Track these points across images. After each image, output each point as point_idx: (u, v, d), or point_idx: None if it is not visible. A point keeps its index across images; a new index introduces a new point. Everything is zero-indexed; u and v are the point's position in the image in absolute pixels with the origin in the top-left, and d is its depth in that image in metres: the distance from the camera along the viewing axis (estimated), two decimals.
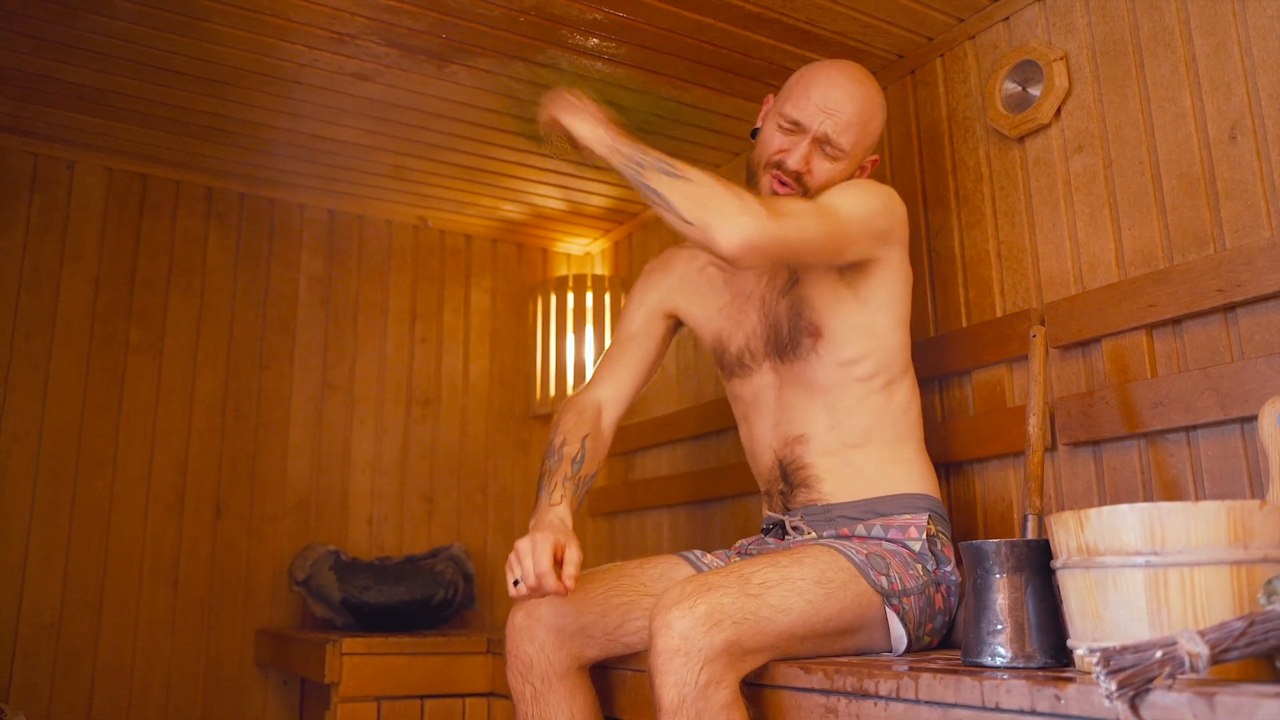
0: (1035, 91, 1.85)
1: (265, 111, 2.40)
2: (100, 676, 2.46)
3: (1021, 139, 1.90)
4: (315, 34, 2.07)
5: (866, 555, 1.49)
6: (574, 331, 3.09)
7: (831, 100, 1.65)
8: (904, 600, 1.49)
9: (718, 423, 2.57)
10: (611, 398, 1.81)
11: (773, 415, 1.72)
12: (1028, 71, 1.87)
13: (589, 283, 3.13)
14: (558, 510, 1.55)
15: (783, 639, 1.35)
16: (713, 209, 1.42)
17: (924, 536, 1.55)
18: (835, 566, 1.45)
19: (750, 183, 1.72)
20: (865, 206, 1.60)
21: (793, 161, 1.66)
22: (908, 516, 1.59)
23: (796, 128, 1.67)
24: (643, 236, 3.10)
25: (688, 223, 1.44)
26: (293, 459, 2.79)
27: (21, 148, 2.57)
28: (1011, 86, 1.90)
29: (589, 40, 2.10)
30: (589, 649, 1.58)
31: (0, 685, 2.35)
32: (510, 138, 2.56)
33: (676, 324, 1.91)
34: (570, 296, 3.12)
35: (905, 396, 1.69)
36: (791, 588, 1.37)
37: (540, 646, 1.54)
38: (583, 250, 3.36)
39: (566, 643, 1.55)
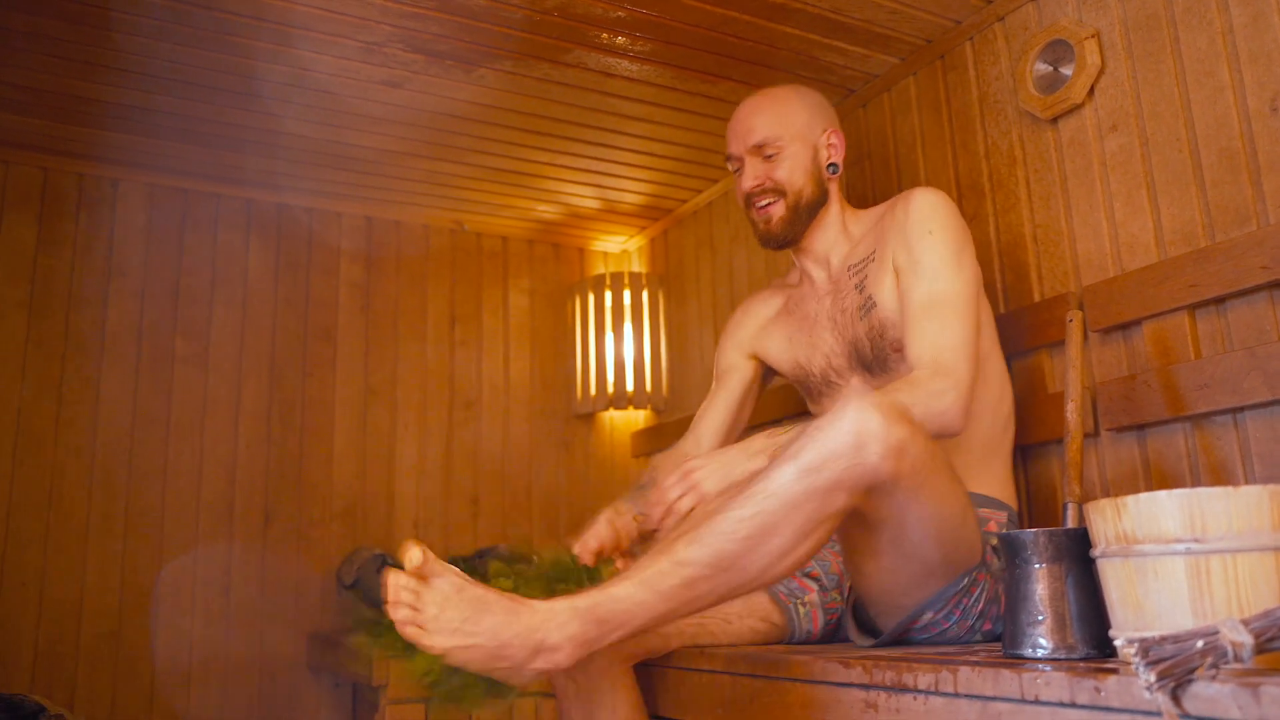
0: (1067, 71, 1.82)
1: (298, 122, 2.44)
2: (159, 682, 2.52)
3: (1054, 120, 1.86)
4: (343, 44, 2.09)
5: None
6: (613, 330, 3.10)
7: (737, 123, 1.78)
8: (984, 575, 1.46)
9: (760, 415, 2.55)
10: (698, 442, 1.90)
11: None
12: (1059, 51, 1.83)
13: (626, 280, 3.13)
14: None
15: (922, 511, 1.31)
16: (928, 414, 1.40)
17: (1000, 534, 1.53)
18: (971, 509, 1.43)
19: (754, 232, 1.81)
20: (954, 253, 1.58)
21: (746, 184, 1.76)
22: (990, 512, 1.58)
23: (734, 161, 1.79)
24: (679, 233, 3.09)
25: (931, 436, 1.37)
26: (338, 465, 2.83)
27: (67, 168, 2.63)
28: (1043, 67, 1.86)
29: (615, 38, 2.10)
30: (629, 645, 1.57)
31: (65, 692, 2.41)
32: (541, 138, 2.57)
33: (763, 368, 1.94)
34: (608, 295, 3.12)
35: (1001, 397, 1.67)
36: (954, 487, 1.37)
37: None
38: (619, 248, 3.36)
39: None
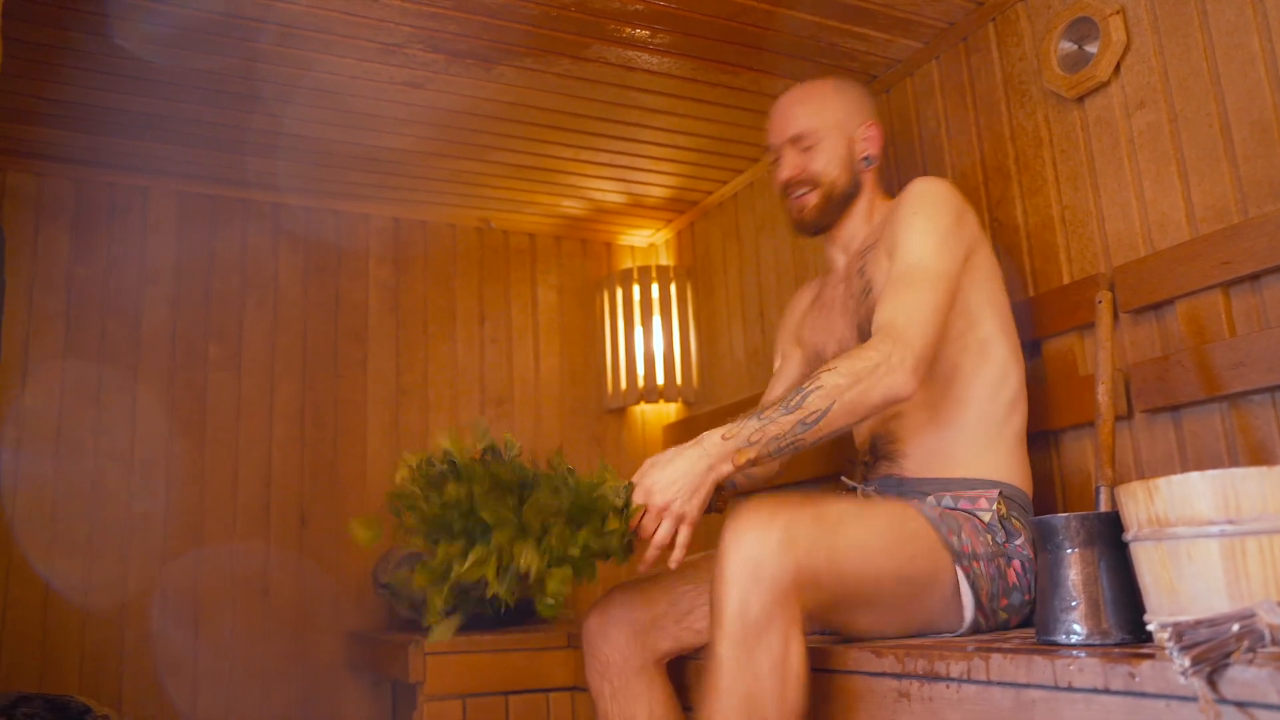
0: (1092, 49, 1.79)
1: (323, 126, 2.45)
2: (201, 683, 2.55)
3: (1080, 99, 1.84)
4: (363, 46, 2.10)
5: (939, 514, 1.48)
6: (642, 323, 3.10)
7: (779, 113, 1.83)
8: (974, 564, 1.46)
9: None
10: None
11: None
12: (1083, 29, 1.80)
13: (654, 273, 3.13)
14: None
15: (852, 577, 1.33)
16: (870, 384, 1.43)
17: (994, 509, 1.52)
18: (908, 516, 1.46)
19: (788, 219, 1.86)
20: (937, 233, 1.59)
21: (783, 174, 1.81)
22: (979, 490, 1.56)
23: (774, 151, 1.84)
24: (705, 225, 3.08)
25: (873, 406, 1.44)
26: (372, 464, 2.85)
27: (98, 178, 2.67)
28: (1067, 46, 1.84)
29: (634, 32, 2.10)
30: (662, 641, 1.60)
31: (111, 693, 2.45)
32: (563, 134, 2.57)
33: None
34: (636, 289, 3.12)
35: (1002, 381, 1.65)
36: (867, 527, 1.38)
37: (615, 645, 1.60)
38: (646, 241, 3.35)
39: (640, 637, 1.59)
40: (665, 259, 3.31)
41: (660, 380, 3.06)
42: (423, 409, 2.95)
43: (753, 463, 1.41)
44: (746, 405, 2.73)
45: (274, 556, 2.69)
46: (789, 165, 1.80)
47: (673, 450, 1.44)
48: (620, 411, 3.21)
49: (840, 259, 1.85)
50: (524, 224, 3.16)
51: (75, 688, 2.41)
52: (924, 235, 1.59)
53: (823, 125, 1.79)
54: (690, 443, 1.43)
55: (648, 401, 3.07)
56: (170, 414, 2.65)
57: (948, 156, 2.15)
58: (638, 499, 1.40)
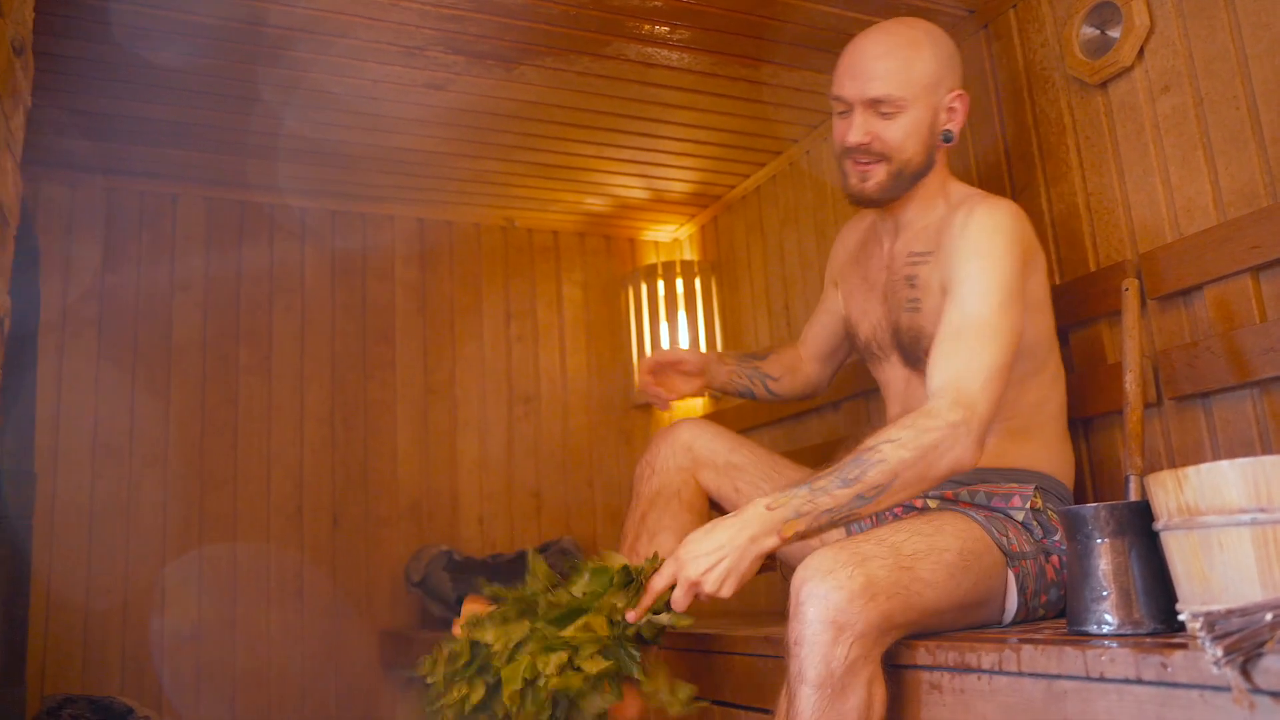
0: (1114, 33, 1.77)
1: (347, 129, 2.47)
2: (240, 684, 2.59)
3: (1103, 84, 1.82)
4: (385, 50, 2.11)
5: (987, 516, 1.46)
6: (667, 319, 3.10)
7: (860, 63, 1.58)
8: (1022, 563, 1.45)
9: (817, 400, 2.54)
10: (810, 352, 2.00)
11: (902, 401, 1.69)
12: (1105, 13, 1.79)
13: (678, 269, 3.13)
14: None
15: (927, 614, 1.31)
16: (935, 459, 1.34)
17: (1027, 506, 1.50)
18: (973, 536, 1.40)
19: (840, 179, 1.67)
20: (1002, 286, 1.45)
21: (853, 137, 1.58)
22: (1014, 485, 1.54)
23: (844, 104, 1.60)
24: (729, 219, 3.08)
25: (937, 479, 1.36)
26: (402, 464, 2.88)
27: (129, 187, 2.70)
28: (1089, 31, 1.82)
29: (653, 28, 2.10)
30: (708, 478, 1.74)
31: (151, 694, 2.49)
32: (586, 131, 2.57)
33: None
34: (661, 284, 3.13)
35: (1042, 391, 1.61)
36: (938, 560, 1.33)
37: (672, 450, 1.74)
38: (670, 237, 3.36)
39: (696, 459, 1.74)
40: (689, 254, 3.31)
41: None
42: (450, 408, 2.97)
43: (801, 535, 1.32)
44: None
45: (308, 557, 2.72)
46: (860, 129, 1.57)
47: (714, 521, 1.35)
48: (647, 407, 3.22)
49: (890, 240, 1.70)
50: (548, 222, 3.17)
51: (116, 689, 2.45)
52: (987, 286, 1.45)
53: (910, 93, 1.56)
54: (732, 514, 1.35)
55: None
56: (203, 419, 2.68)
57: (970, 144, 2.13)
58: (668, 568, 1.33)
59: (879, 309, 1.71)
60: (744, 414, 2.90)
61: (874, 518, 1.60)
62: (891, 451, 1.31)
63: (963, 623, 1.41)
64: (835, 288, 1.90)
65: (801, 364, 1.99)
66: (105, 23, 1.94)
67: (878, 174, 1.59)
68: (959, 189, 1.66)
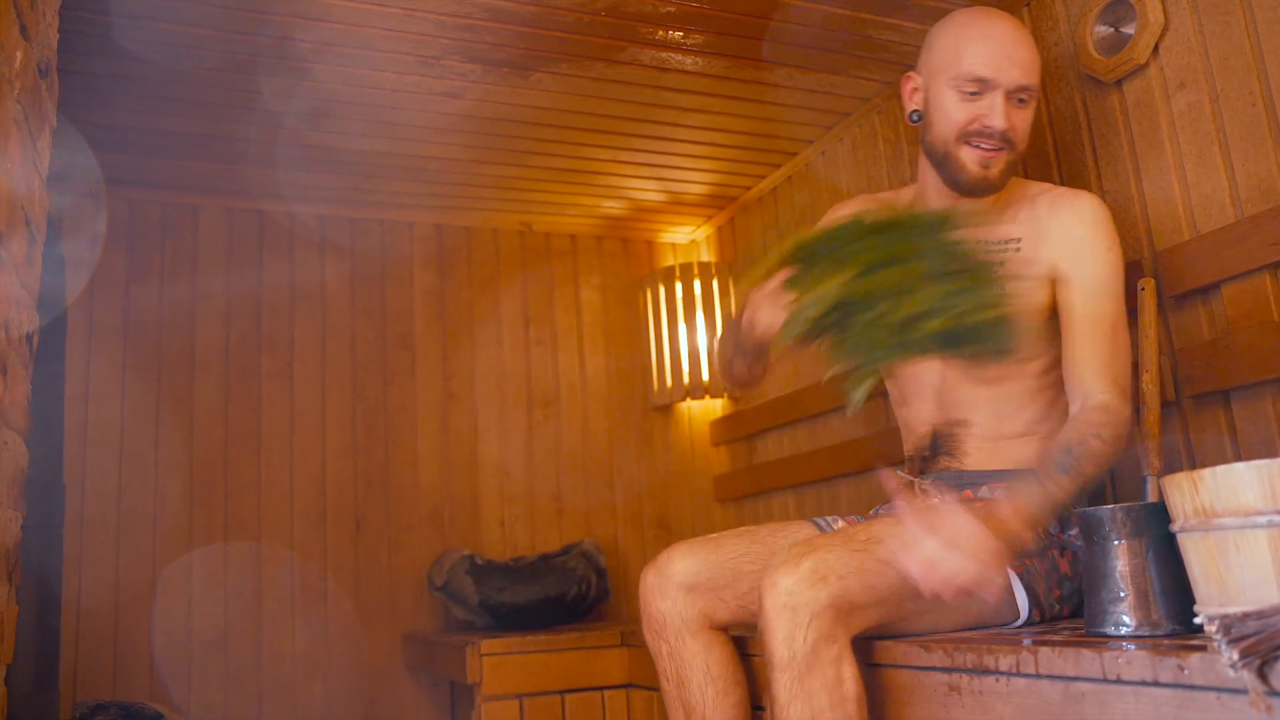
0: (1129, 31, 1.77)
1: (365, 138, 2.50)
2: (266, 687, 2.62)
3: (1118, 82, 1.82)
4: (402, 60, 2.13)
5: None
6: (685, 320, 3.11)
7: (1011, 48, 1.56)
8: (1025, 562, 1.45)
9: (836, 400, 2.55)
10: None
11: (935, 398, 1.68)
12: (1119, 11, 1.78)
13: (696, 270, 3.14)
14: None
15: (893, 593, 1.32)
16: (1118, 449, 1.43)
17: None
18: None
19: (942, 166, 1.62)
20: (1121, 274, 1.55)
21: (998, 122, 1.55)
22: None
23: (984, 85, 1.56)
24: (745, 220, 3.09)
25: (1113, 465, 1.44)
26: (423, 469, 2.90)
27: (151, 199, 2.74)
28: (1103, 29, 1.82)
29: (667, 33, 2.11)
30: (719, 610, 1.58)
31: (181, 700, 2.52)
32: (601, 136, 2.59)
33: None
34: (679, 286, 3.14)
35: (1057, 390, 1.61)
36: (899, 541, 1.32)
37: (673, 602, 1.56)
38: (687, 239, 3.37)
39: (697, 600, 1.56)
40: (706, 255, 3.32)
41: (705, 376, 3.07)
42: (470, 413, 2.99)
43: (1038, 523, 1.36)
44: (794, 399, 2.74)
45: (331, 562, 2.75)
46: (1003, 115, 1.55)
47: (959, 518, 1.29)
48: (666, 409, 3.23)
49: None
50: (565, 226, 3.19)
51: (145, 695, 2.49)
52: (1118, 279, 1.54)
53: (1038, 81, 1.60)
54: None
55: (693, 398, 3.09)
56: (226, 426, 2.72)
57: None
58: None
59: None
60: (762, 415, 2.91)
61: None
62: (1098, 447, 1.39)
63: (959, 612, 1.41)
64: None
65: None
66: (124, 39, 1.97)
67: (1000, 162, 1.58)
68: (1016, 181, 1.70)
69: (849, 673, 1.28)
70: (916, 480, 1.65)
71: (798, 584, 1.27)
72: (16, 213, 1.12)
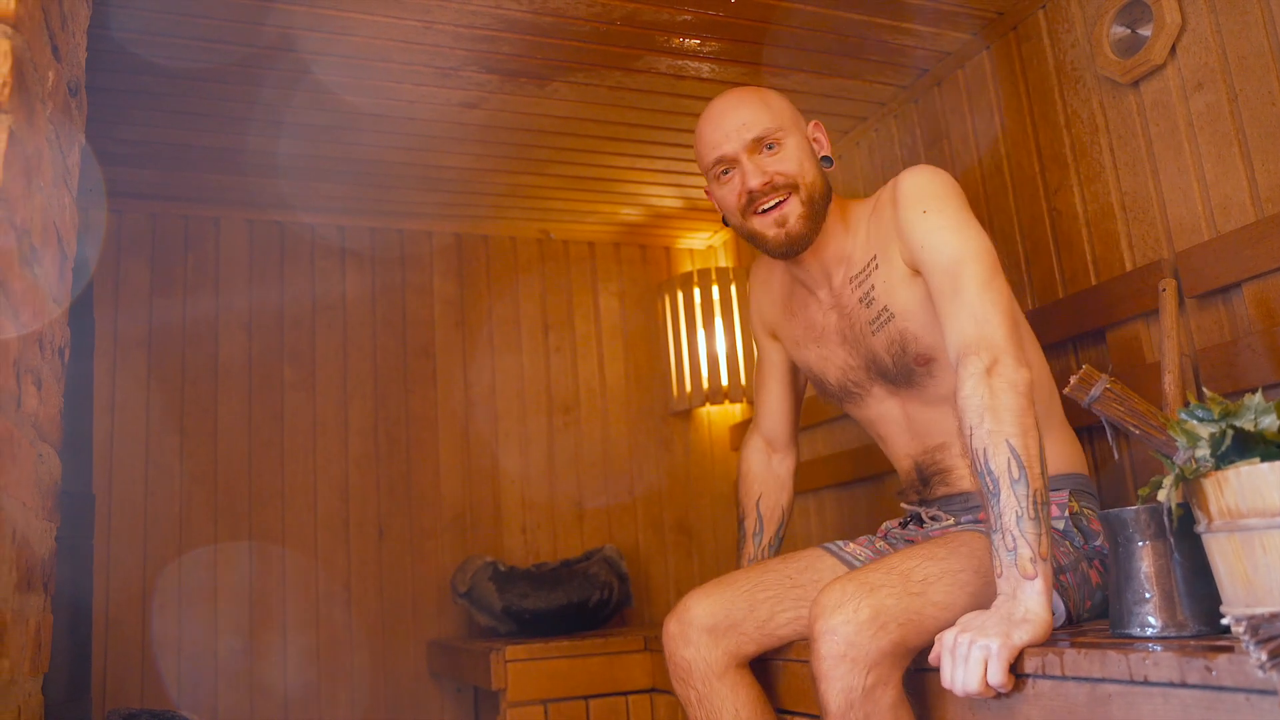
0: (1146, 32, 1.77)
1: (385, 149, 2.52)
2: (292, 694, 2.64)
3: (1135, 83, 1.82)
4: (420, 71, 2.15)
5: None
6: (704, 326, 3.12)
7: (723, 119, 1.59)
8: (1059, 578, 1.44)
9: None
10: (772, 430, 1.90)
11: (906, 431, 1.66)
12: (1135, 12, 1.79)
13: (714, 276, 3.15)
14: None
15: (940, 630, 1.31)
16: (1008, 404, 1.31)
17: (1066, 514, 1.50)
18: (989, 554, 1.41)
19: (757, 245, 1.63)
20: (960, 220, 1.45)
21: (753, 182, 1.56)
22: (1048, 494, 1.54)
23: (727, 162, 1.59)
24: None
25: (1026, 410, 1.32)
26: (445, 477, 2.92)
27: (173, 212, 2.77)
28: (1120, 30, 1.82)
29: (683, 41, 2.12)
30: (744, 645, 1.58)
31: (208, 707, 2.55)
32: (619, 144, 2.60)
33: None
34: (697, 291, 3.15)
35: (1036, 374, 1.58)
36: (953, 581, 1.35)
37: (696, 649, 1.56)
38: (705, 244, 3.38)
39: (721, 641, 1.56)
40: (724, 260, 3.32)
41: (724, 381, 3.08)
42: (491, 420, 3.01)
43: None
44: (812, 404, 2.74)
45: (355, 570, 2.77)
46: (757, 171, 1.55)
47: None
48: (686, 414, 3.24)
49: (825, 281, 1.66)
50: (583, 233, 3.20)
51: (171, 702, 2.51)
52: (947, 226, 1.45)
53: (780, 123, 1.57)
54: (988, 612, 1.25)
55: (713, 403, 3.09)
56: (249, 436, 2.74)
57: (1002, 146, 2.14)
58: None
59: (840, 351, 1.66)
60: None
61: (878, 541, 1.67)
62: (993, 439, 1.28)
63: None
64: (773, 339, 1.85)
65: (776, 480, 1.90)
66: (146, 55, 1.99)
67: (794, 208, 1.58)
68: (849, 206, 1.66)
69: (904, 717, 1.28)
70: (922, 509, 1.65)
71: (858, 633, 1.25)
72: (49, 229, 1.14)
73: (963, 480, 1.59)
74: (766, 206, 1.57)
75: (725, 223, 1.68)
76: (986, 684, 1.17)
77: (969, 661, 1.17)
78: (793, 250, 1.59)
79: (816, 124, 1.66)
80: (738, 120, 1.57)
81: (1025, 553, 1.23)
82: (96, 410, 2.54)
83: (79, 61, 1.31)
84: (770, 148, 1.57)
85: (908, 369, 1.57)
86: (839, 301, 1.64)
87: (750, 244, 1.65)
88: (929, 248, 1.46)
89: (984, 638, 1.17)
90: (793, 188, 1.56)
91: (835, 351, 1.67)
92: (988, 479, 1.28)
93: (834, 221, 1.62)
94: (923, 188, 1.49)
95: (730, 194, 1.60)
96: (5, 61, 0.91)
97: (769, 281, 1.83)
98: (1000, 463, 1.27)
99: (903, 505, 1.71)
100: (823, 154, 1.63)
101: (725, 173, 1.60)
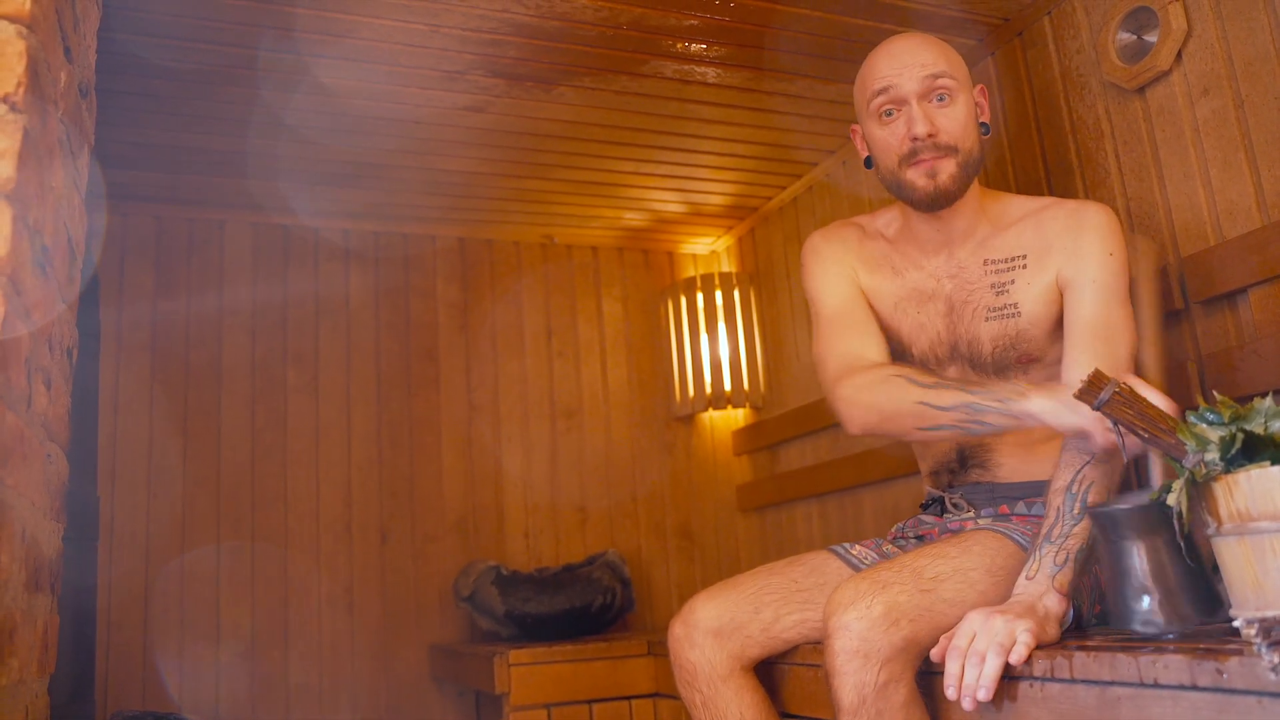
0: (1151, 38, 1.77)
1: (389, 153, 2.52)
2: (294, 698, 2.63)
3: (1141, 89, 1.82)
4: (426, 75, 2.16)
5: (1030, 536, 1.46)
6: (707, 330, 3.12)
7: (905, 54, 1.56)
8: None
9: None
10: (881, 356, 1.67)
11: None
12: (1141, 18, 1.79)
13: (717, 281, 3.15)
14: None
15: (951, 627, 1.33)
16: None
17: None
18: (1004, 553, 1.42)
19: (900, 195, 1.60)
20: (1126, 279, 1.53)
21: (919, 129, 1.52)
22: None
23: (892, 98, 1.55)
24: (765, 230, 3.10)
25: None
26: (448, 481, 2.92)
27: (178, 215, 2.77)
28: (1125, 36, 1.82)
29: (690, 46, 2.13)
30: (749, 648, 1.57)
31: (210, 710, 2.54)
32: (624, 148, 2.60)
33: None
34: (700, 296, 3.15)
35: None
36: (964, 579, 1.37)
37: (701, 651, 1.55)
38: (708, 249, 3.38)
39: (726, 644, 1.56)
40: (727, 266, 3.33)
41: (727, 386, 3.08)
42: (494, 424, 3.01)
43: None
44: (816, 408, 2.74)
45: (357, 573, 2.77)
46: (921, 120, 1.51)
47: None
48: (689, 419, 3.24)
49: (944, 247, 1.64)
50: (587, 238, 3.21)
51: (173, 704, 2.51)
52: (1123, 284, 1.51)
53: (958, 75, 1.54)
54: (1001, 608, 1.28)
55: (716, 408, 3.10)
56: (252, 439, 2.74)
57: (1008, 152, 2.14)
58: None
59: (940, 323, 1.64)
60: (784, 425, 2.91)
61: (885, 544, 1.67)
62: (1103, 479, 1.36)
63: None
64: (861, 295, 1.72)
65: None
66: (153, 59, 2.00)
67: (947, 167, 1.55)
68: (995, 195, 1.67)
69: (916, 716, 1.28)
70: (946, 493, 1.65)
71: (871, 629, 1.26)
72: (60, 230, 1.14)
73: (1000, 469, 1.60)
74: (926, 157, 1.54)
75: (867, 165, 1.65)
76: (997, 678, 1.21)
77: (995, 634, 1.21)
78: (938, 204, 1.57)
79: (982, 89, 1.63)
80: (917, 59, 1.54)
81: (1066, 577, 1.31)
82: (100, 412, 2.54)
83: (89, 63, 1.31)
84: (941, 99, 1.54)
85: (1006, 363, 1.59)
86: (960, 274, 1.63)
87: (889, 190, 1.61)
88: (1103, 288, 1.50)
89: (1011, 620, 1.22)
90: (953, 150, 1.54)
91: (934, 322, 1.65)
92: (1074, 502, 1.35)
93: (974, 194, 1.61)
94: (1115, 232, 1.54)
95: (892, 137, 1.56)
96: (20, 61, 0.91)
97: (861, 243, 1.74)
98: (1092, 499, 1.34)
99: (928, 489, 1.70)
100: (982, 119, 1.61)
101: (888, 114, 1.56)
